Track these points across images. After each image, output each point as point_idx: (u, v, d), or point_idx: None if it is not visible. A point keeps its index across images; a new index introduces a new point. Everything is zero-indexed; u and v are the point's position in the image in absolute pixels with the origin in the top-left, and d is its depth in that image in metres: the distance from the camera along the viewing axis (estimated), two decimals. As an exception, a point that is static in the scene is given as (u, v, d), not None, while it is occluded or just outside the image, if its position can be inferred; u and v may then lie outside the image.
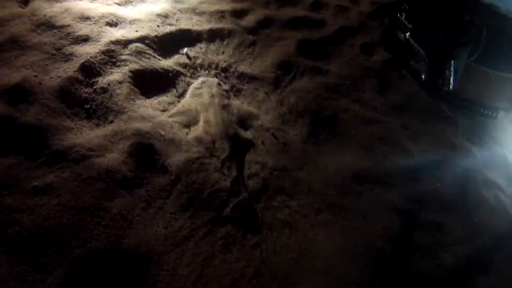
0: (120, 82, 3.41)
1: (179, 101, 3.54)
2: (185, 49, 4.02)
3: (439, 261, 2.98)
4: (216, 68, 3.96)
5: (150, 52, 3.83)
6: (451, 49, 3.28)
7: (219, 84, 3.69)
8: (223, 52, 4.16)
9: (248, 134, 3.34)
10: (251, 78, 3.93)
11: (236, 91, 3.79)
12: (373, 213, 3.10)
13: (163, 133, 3.13)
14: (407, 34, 3.42)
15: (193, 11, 4.50)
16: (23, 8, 3.94)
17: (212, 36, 4.27)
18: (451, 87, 3.32)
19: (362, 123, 3.73)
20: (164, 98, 3.54)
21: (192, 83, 3.72)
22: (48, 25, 3.76)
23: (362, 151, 3.51)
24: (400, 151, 3.56)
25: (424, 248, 3.05)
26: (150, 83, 3.59)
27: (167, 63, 3.80)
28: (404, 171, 3.43)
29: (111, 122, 3.18)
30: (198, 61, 3.96)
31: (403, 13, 3.47)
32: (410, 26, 3.40)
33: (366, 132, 3.66)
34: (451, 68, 3.26)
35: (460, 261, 3.01)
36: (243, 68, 4.02)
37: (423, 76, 3.38)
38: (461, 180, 3.50)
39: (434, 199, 3.32)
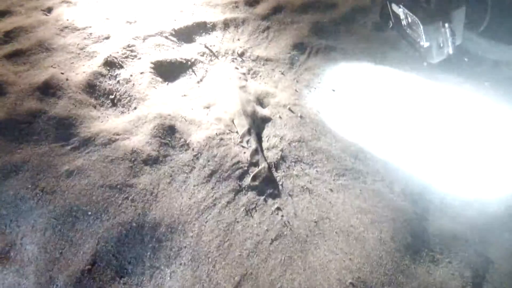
0: (142, 73, 3.57)
1: (199, 86, 3.66)
2: (202, 39, 4.15)
3: (460, 219, 2.96)
4: (232, 54, 4.07)
5: (169, 44, 3.99)
6: (444, 12, 3.28)
7: (236, 68, 3.79)
8: (238, 39, 4.27)
9: (265, 111, 3.42)
10: (266, 60, 4.01)
11: (253, 74, 3.88)
12: (391, 175, 3.11)
13: (184, 114, 3.25)
14: (401, 4, 3.43)
15: (208, 4, 4.64)
16: (47, 15, 4.18)
17: (227, 25, 4.39)
18: (450, 50, 3.31)
19: (376, 94, 3.77)
20: (184, 85, 3.67)
21: (210, 69, 3.84)
22: (71, 28, 3.98)
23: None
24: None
25: (445, 205, 3.03)
26: (170, 71, 3.74)
27: (186, 52, 3.94)
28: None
29: (135, 108, 3.33)
30: (215, 49, 4.08)
31: None
32: None
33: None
34: (447, 32, 3.25)
35: (486, 216, 2.97)
36: (258, 52, 4.11)
37: (421, 44, 3.37)
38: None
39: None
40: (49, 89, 3.30)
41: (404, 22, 3.52)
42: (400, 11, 3.49)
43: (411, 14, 3.36)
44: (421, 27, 3.28)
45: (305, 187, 2.94)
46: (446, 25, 3.26)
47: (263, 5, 4.70)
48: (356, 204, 2.89)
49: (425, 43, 3.33)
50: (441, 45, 3.35)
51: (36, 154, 2.91)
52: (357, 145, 3.27)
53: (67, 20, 4.10)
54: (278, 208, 2.80)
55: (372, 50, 4.20)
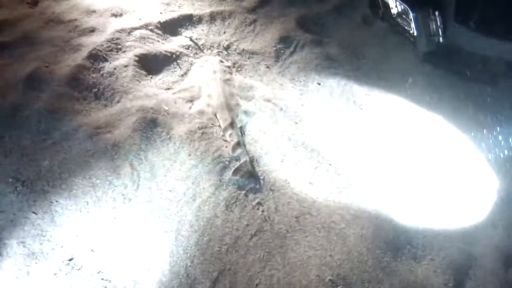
0: (126, 66, 3.54)
1: (183, 80, 3.64)
2: (188, 32, 4.12)
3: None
4: (218, 47, 4.05)
5: (154, 37, 3.96)
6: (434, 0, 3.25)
7: (221, 61, 3.77)
8: (224, 32, 4.24)
9: (250, 104, 3.40)
10: (252, 54, 3.99)
11: (238, 67, 3.86)
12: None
13: (166, 108, 3.23)
14: None
15: (195, -4, 4.62)
16: (33, 8, 4.14)
17: (213, 18, 4.36)
18: (441, 39, 3.28)
19: (360, 88, 3.75)
20: (168, 78, 3.65)
21: (195, 62, 3.81)
22: (56, 21, 3.95)
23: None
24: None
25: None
26: (155, 65, 3.72)
27: (171, 46, 3.91)
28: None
29: (118, 102, 3.31)
30: (201, 42, 4.06)
31: None
32: None
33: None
34: (438, 19, 3.22)
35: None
36: (244, 45, 4.09)
37: (411, 32, 3.34)
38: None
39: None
40: (32, 83, 3.27)
41: (393, 11, 3.49)
42: (390, 1, 3.46)
43: (401, 2, 3.33)
44: (411, 14, 3.25)
45: (287, 181, 2.93)
46: (437, 12, 3.23)
47: (251, -2, 4.67)
48: (338, 200, 2.87)
49: (415, 32, 3.30)
50: (432, 33, 3.32)
51: (18, 147, 2.89)
52: (341, 140, 3.25)
53: (53, 13, 4.07)
54: (259, 203, 2.79)
55: (358, 44, 4.17)
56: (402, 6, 3.29)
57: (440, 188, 3.10)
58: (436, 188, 3.10)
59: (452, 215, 2.96)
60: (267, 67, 3.85)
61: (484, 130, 3.49)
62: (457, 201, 3.05)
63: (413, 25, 3.27)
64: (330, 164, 3.09)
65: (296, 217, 2.75)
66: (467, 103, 3.69)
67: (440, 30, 3.25)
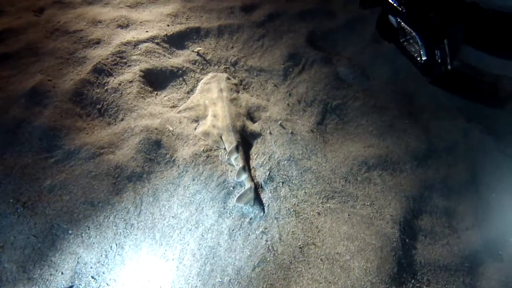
0: (131, 82, 3.51)
1: (189, 97, 3.61)
2: (195, 46, 4.08)
3: (450, 247, 2.92)
4: (225, 63, 4.01)
5: (160, 51, 3.92)
6: (443, 27, 3.20)
7: (228, 78, 3.73)
8: (232, 47, 4.20)
9: (256, 126, 3.37)
10: (260, 71, 3.95)
11: (245, 85, 3.83)
12: (382, 200, 3.06)
13: (171, 128, 3.21)
14: (399, 18, 3.34)
15: (203, 9, 4.57)
16: (38, 16, 4.11)
17: (222, 32, 4.32)
18: (449, 67, 3.23)
19: (372, 111, 3.69)
20: (173, 95, 3.61)
21: (201, 78, 3.78)
22: (62, 31, 3.91)
23: (371, 139, 3.46)
24: (410, 138, 3.51)
25: (435, 234, 2.99)
26: (160, 80, 3.68)
27: (177, 60, 3.88)
28: (414, 157, 3.37)
29: (122, 120, 3.28)
30: (208, 57, 4.02)
31: None
32: (401, 9, 3.32)
33: (376, 119, 3.61)
34: (446, 47, 3.17)
35: (472, 246, 2.94)
36: (252, 61, 4.05)
37: (419, 59, 3.30)
38: (474, 164, 3.41)
39: (446, 184, 3.26)
40: (35, 97, 3.26)
41: (401, 36, 3.44)
42: (396, 24, 3.41)
43: (409, 28, 3.29)
44: (420, 43, 3.20)
45: (292, 209, 2.90)
46: (446, 41, 3.19)
47: (260, 11, 4.62)
48: (343, 230, 2.85)
49: (423, 59, 3.26)
50: (440, 60, 3.27)
51: (19, 166, 2.87)
52: (348, 167, 3.22)
53: (58, 22, 4.03)
54: (262, 232, 2.76)
55: (368, 63, 4.13)
56: (411, 32, 3.24)
57: (446, 219, 3.07)
58: (440, 219, 3.07)
59: (457, 248, 2.92)
60: (275, 85, 3.81)
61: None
62: (461, 233, 3.01)
63: (421, 52, 3.22)
64: (336, 192, 3.04)
65: (300, 247, 2.72)
66: (475, 126, 3.66)
67: (448, 58, 3.21)
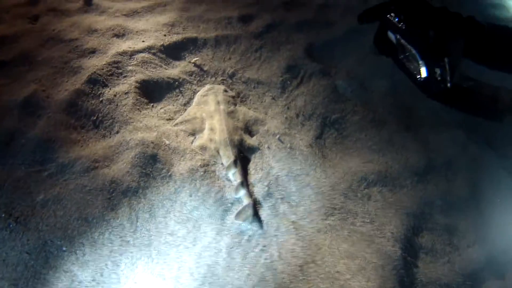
0: (126, 93, 3.45)
1: (185, 109, 3.56)
2: (192, 57, 4.04)
3: (451, 265, 2.89)
4: (222, 75, 3.96)
5: (157, 61, 3.87)
6: (443, 45, 3.19)
7: (225, 90, 3.68)
8: (229, 58, 4.16)
9: (253, 140, 3.33)
10: (257, 83, 3.91)
11: (242, 97, 3.78)
12: (382, 217, 3.03)
13: (167, 142, 3.15)
14: (398, 34, 3.33)
15: (200, 18, 4.52)
16: (33, 24, 4.05)
17: (219, 42, 4.28)
18: (448, 85, 3.22)
19: (371, 125, 3.66)
20: (170, 107, 3.56)
21: (198, 90, 3.73)
22: (56, 39, 3.85)
23: (370, 154, 3.43)
24: (409, 153, 3.48)
25: (436, 252, 2.96)
26: (156, 92, 3.63)
27: (173, 71, 3.82)
28: (414, 173, 3.34)
29: (117, 132, 3.22)
30: (205, 68, 3.97)
31: (392, 14, 3.38)
32: (400, 26, 3.31)
33: (375, 134, 3.58)
34: (447, 65, 3.17)
35: (474, 265, 2.91)
36: (250, 73, 4.01)
37: (418, 77, 3.28)
38: (474, 179, 3.40)
39: (446, 200, 3.23)
40: (29, 107, 3.19)
41: (400, 53, 3.43)
42: (395, 40, 3.40)
43: (408, 45, 3.27)
44: (420, 60, 3.19)
45: (291, 226, 2.85)
46: (446, 59, 3.18)
47: (257, 22, 4.58)
48: (343, 248, 2.80)
49: (423, 77, 3.24)
50: (439, 78, 3.26)
51: (11, 179, 2.80)
52: (348, 183, 3.18)
53: (53, 30, 3.97)
54: (262, 250, 2.71)
55: (367, 75, 4.10)
56: (410, 49, 3.23)
57: (447, 236, 3.04)
58: (441, 236, 3.04)
59: (459, 266, 2.89)
60: (273, 98, 3.77)
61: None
62: (463, 250, 2.99)
63: (421, 69, 3.20)
64: (335, 209, 3.00)
65: (300, 266, 2.68)
66: (475, 139, 3.65)
67: (448, 76, 3.20)
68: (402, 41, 3.33)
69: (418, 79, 3.31)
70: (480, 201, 3.28)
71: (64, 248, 2.56)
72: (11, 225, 2.60)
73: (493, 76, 3.76)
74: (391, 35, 3.50)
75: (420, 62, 3.18)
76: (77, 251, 2.56)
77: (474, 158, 3.54)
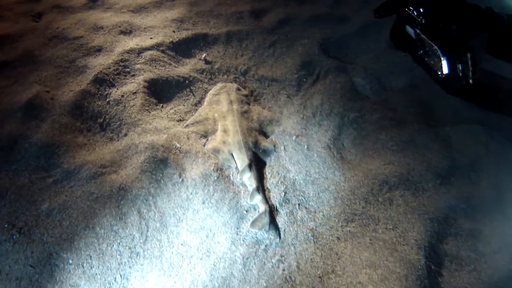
0: (134, 93, 3.30)
1: (196, 109, 3.40)
2: (203, 54, 3.87)
3: (477, 273, 2.72)
4: (235, 72, 3.80)
5: (166, 59, 3.71)
6: (465, 40, 3.02)
7: (238, 89, 3.52)
8: (242, 55, 3.99)
9: (269, 141, 3.16)
10: (272, 81, 3.74)
11: (256, 95, 3.62)
12: (405, 222, 2.85)
13: (178, 145, 2.99)
14: (418, 29, 3.16)
15: (210, 13, 4.36)
16: (36, 22, 3.91)
17: (230, 38, 4.11)
18: (470, 81, 3.05)
19: (391, 124, 3.47)
20: (180, 107, 3.40)
21: (209, 89, 3.57)
22: (61, 37, 3.71)
23: (391, 155, 3.25)
24: (431, 154, 3.29)
25: (461, 259, 2.78)
26: (166, 91, 3.48)
27: (184, 69, 3.67)
28: (437, 175, 3.15)
29: (125, 135, 3.07)
30: (216, 66, 3.81)
31: (411, 7, 3.22)
32: (421, 20, 3.14)
33: (395, 134, 3.39)
34: (469, 61, 3.00)
35: (500, 273, 2.74)
36: (263, 70, 3.84)
37: (438, 73, 3.11)
38: (498, 181, 3.21)
39: (470, 204, 3.04)
40: (32, 110, 3.06)
41: (419, 48, 3.25)
42: (414, 35, 3.22)
43: (428, 40, 3.10)
44: (442, 56, 3.02)
45: (310, 234, 2.68)
46: (469, 54, 3.01)
47: (270, 16, 4.41)
48: (365, 257, 2.63)
49: (444, 73, 3.07)
50: (461, 74, 3.09)
51: (15, 186, 2.67)
52: (368, 187, 3.00)
53: (57, 28, 3.83)
54: (279, 260, 2.55)
55: (384, 72, 3.91)
56: (431, 44, 3.05)
57: (471, 242, 2.86)
58: (466, 242, 2.87)
59: (485, 274, 2.72)
60: (288, 96, 3.60)
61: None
62: (489, 257, 2.81)
63: (442, 65, 3.03)
64: (356, 214, 2.83)
65: (319, 277, 2.52)
66: (497, 138, 3.46)
67: (470, 72, 3.03)
68: (422, 36, 3.16)
69: (439, 75, 3.15)
70: (505, 203, 3.09)
71: (70, 261, 2.42)
72: (14, 237, 2.46)
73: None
74: (409, 30, 3.33)
75: (442, 57, 3.02)
76: (84, 264, 2.42)
77: (498, 158, 3.34)
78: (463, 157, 3.33)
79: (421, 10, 3.18)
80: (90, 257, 2.44)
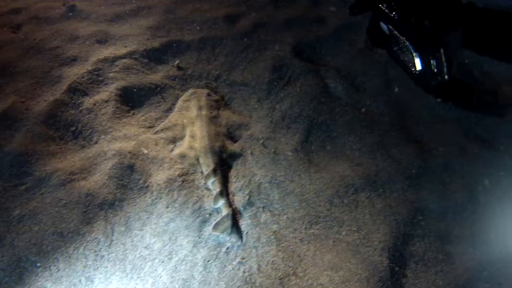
0: (106, 101, 3.51)
1: (167, 116, 3.59)
2: (176, 61, 4.07)
3: (444, 274, 2.85)
4: (207, 78, 3.99)
5: (139, 67, 3.92)
6: (439, 35, 3.14)
7: (208, 94, 3.71)
8: (214, 60, 4.18)
9: (236, 146, 3.34)
10: (243, 85, 3.92)
11: (227, 100, 3.80)
12: (369, 224, 3.00)
13: (145, 151, 3.19)
14: (391, 25, 3.28)
15: (185, 20, 4.55)
16: (15, 33, 4.12)
17: (204, 44, 4.30)
18: (445, 77, 3.17)
19: (362, 125, 3.63)
20: (151, 114, 3.60)
21: (181, 95, 3.76)
22: (37, 48, 3.93)
23: (359, 157, 3.39)
24: (402, 155, 3.43)
25: (428, 261, 2.91)
26: (138, 99, 3.68)
27: (156, 76, 3.87)
28: (406, 176, 3.30)
29: (96, 143, 3.28)
30: (189, 72, 4.00)
31: (385, 4, 3.33)
32: (393, 16, 3.26)
33: (365, 135, 3.55)
34: (443, 57, 3.12)
35: (468, 274, 2.86)
36: (235, 75, 4.02)
37: (413, 70, 3.23)
38: (471, 182, 3.32)
39: (440, 205, 3.18)
40: (7, 121, 3.27)
41: (394, 45, 3.39)
42: (388, 32, 3.35)
43: (401, 37, 3.23)
44: (413, 52, 3.15)
45: (273, 237, 2.86)
46: (442, 50, 3.13)
47: (244, 21, 4.60)
48: (327, 259, 2.79)
49: (417, 69, 3.20)
50: (435, 70, 3.22)
51: (-12, 194, 2.88)
52: (334, 189, 3.16)
53: (34, 39, 4.05)
54: (240, 262, 2.72)
55: (358, 73, 4.07)
56: (403, 41, 3.19)
57: (439, 243, 3.00)
58: (433, 243, 3.00)
59: (452, 275, 2.85)
60: (258, 101, 3.78)
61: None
62: (457, 258, 2.94)
63: (415, 62, 3.17)
64: (320, 217, 3.00)
65: (280, 279, 2.68)
66: (474, 138, 3.59)
67: (445, 68, 3.15)
68: (395, 32, 3.28)
69: (414, 72, 3.26)
70: (476, 205, 3.21)
71: (38, 264, 2.62)
72: (-14, 242, 2.67)
73: (495, 68, 3.70)
74: (383, 26, 3.45)
75: (414, 54, 3.14)
76: (51, 267, 2.61)
77: (473, 159, 3.46)
78: (435, 157, 3.46)
79: (394, 6, 3.30)
80: (57, 260, 2.64)
